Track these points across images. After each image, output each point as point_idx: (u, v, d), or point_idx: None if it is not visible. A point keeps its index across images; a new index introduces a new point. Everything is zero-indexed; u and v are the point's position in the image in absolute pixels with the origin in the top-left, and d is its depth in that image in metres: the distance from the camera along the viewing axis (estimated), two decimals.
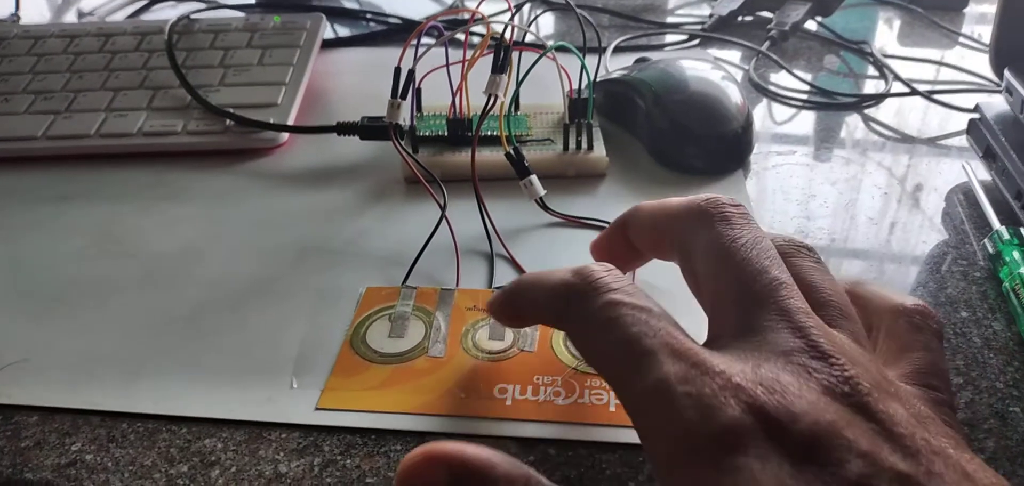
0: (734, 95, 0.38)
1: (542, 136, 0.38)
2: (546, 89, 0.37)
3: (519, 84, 0.36)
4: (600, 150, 0.37)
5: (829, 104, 0.45)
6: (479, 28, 0.34)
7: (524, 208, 0.34)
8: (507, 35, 0.33)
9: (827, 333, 0.18)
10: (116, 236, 0.34)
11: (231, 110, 0.40)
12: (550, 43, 0.34)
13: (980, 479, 0.16)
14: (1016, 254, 0.29)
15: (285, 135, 0.41)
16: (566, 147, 0.37)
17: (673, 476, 0.16)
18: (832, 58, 0.51)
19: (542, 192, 0.34)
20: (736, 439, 0.15)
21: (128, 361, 0.27)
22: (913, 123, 0.43)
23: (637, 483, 0.23)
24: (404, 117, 0.36)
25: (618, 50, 0.51)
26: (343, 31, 0.56)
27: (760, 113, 0.44)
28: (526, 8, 0.59)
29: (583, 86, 0.36)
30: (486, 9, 0.34)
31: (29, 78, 0.44)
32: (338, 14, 0.58)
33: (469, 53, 0.34)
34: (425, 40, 0.34)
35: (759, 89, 0.47)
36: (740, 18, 0.55)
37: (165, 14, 0.58)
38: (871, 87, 0.47)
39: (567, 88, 0.36)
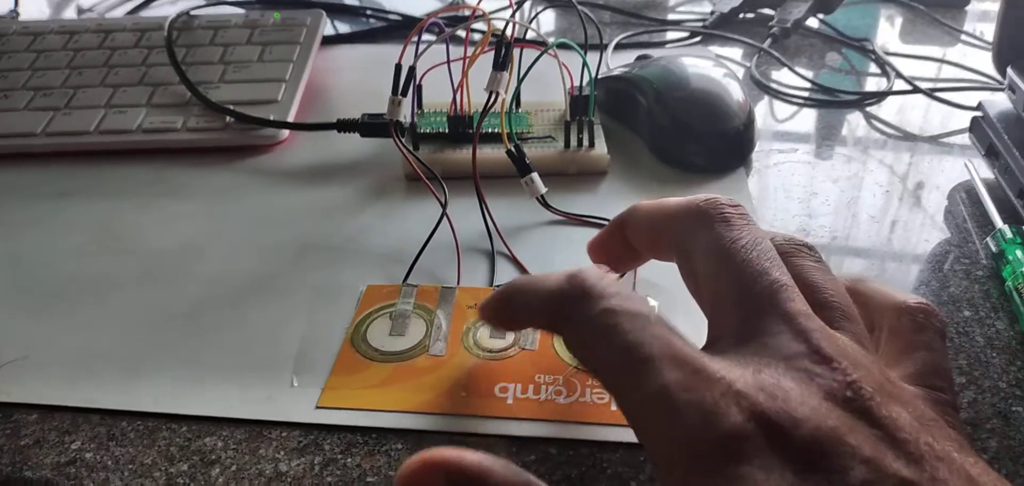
0: (736, 92, 0.38)
1: (543, 133, 0.38)
2: (547, 86, 0.37)
3: (520, 81, 0.36)
4: (601, 147, 0.37)
5: (831, 102, 0.45)
6: (480, 25, 0.34)
7: (525, 206, 0.34)
8: (508, 32, 0.33)
9: (829, 336, 0.18)
10: (116, 233, 0.34)
11: (231, 107, 0.40)
12: (551, 40, 0.34)
13: (983, 483, 0.16)
14: (1019, 253, 0.29)
15: (285, 132, 0.40)
16: (567, 144, 0.37)
17: (676, 484, 0.16)
18: (834, 55, 0.51)
19: (543, 190, 0.34)
20: (739, 446, 0.15)
21: (128, 359, 0.27)
22: (915, 121, 0.43)
23: (638, 482, 0.23)
24: (405, 114, 0.36)
25: (619, 47, 0.51)
26: (343, 27, 0.56)
27: (762, 111, 0.44)
28: (527, 5, 0.59)
29: (584, 83, 0.36)
30: (487, 6, 0.34)
31: (28, 74, 0.44)
32: (338, 10, 0.58)
33: (470, 50, 0.34)
34: (426, 37, 0.34)
35: (761, 86, 0.46)
36: (742, 15, 0.55)
37: (165, 10, 0.58)
38: (873, 85, 0.47)
39: (568, 85, 0.36)
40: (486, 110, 0.33)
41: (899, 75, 0.47)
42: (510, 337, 0.27)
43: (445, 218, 0.31)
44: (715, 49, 0.52)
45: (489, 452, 0.23)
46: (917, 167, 0.39)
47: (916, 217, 0.35)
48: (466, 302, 0.29)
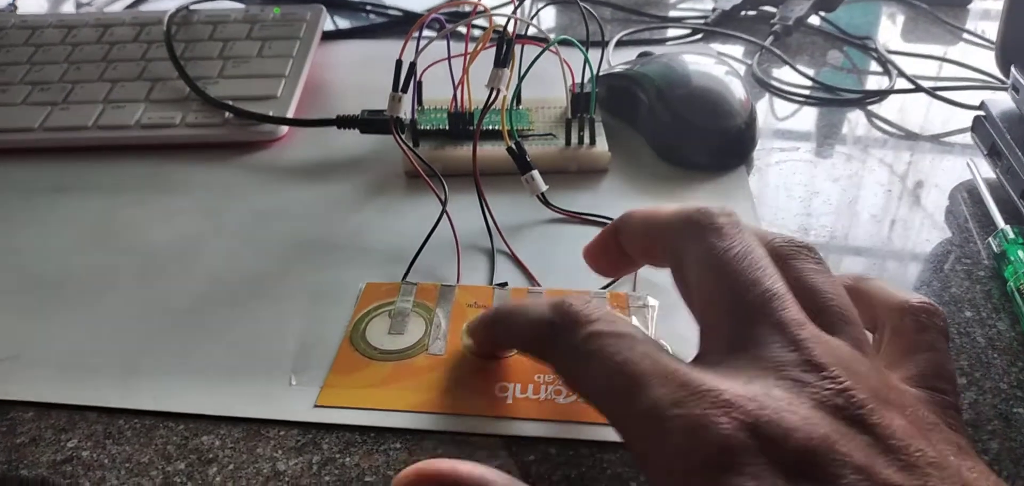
0: (737, 90, 0.38)
1: (544, 131, 0.38)
2: (548, 83, 0.37)
3: (521, 78, 0.36)
4: (602, 145, 0.37)
5: (832, 100, 0.45)
6: (481, 21, 0.34)
7: (526, 203, 0.34)
8: (510, 28, 0.33)
9: (823, 343, 0.18)
10: (113, 229, 0.34)
11: (230, 102, 0.40)
12: (553, 37, 0.33)
13: None
14: (1021, 253, 0.29)
15: (284, 128, 0.40)
16: (568, 142, 0.37)
17: None
18: (836, 53, 0.51)
19: (544, 187, 0.33)
20: (730, 458, 0.15)
21: (125, 356, 0.27)
22: (916, 120, 0.43)
23: (638, 483, 0.22)
24: (405, 111, 0.36)
25: (621, 44, 0.51)
26: (343, 23, 0.55)
27: (763, 109, 0.44)
28: (528, 1, 0.58)
29: (586, 80, 0.36)
30: (488, 2, 0.34)
31: (26, 69, 0.44)
32: (338, 6, 0.57)
33: (471, 46, 0.33)
34: (426, 33, 0.34)
35: (762, 84, 0.46)
36: (743, 13, 0.55)
37: (164, 5, 0.57)
38: (874, 83, 0.47)
39: (569, 82, 0.36)
40: (487, 107, 0.33)
41: (901, 74, 0.47)
42: None
43: (445, 215, 0.31)
44: (717, 46, 0.51)
45: (489, 453, 0.23)
46: (918, 166, 0.38)
47: (917, 217, 0.35)
48: (466, 301, 0.29)
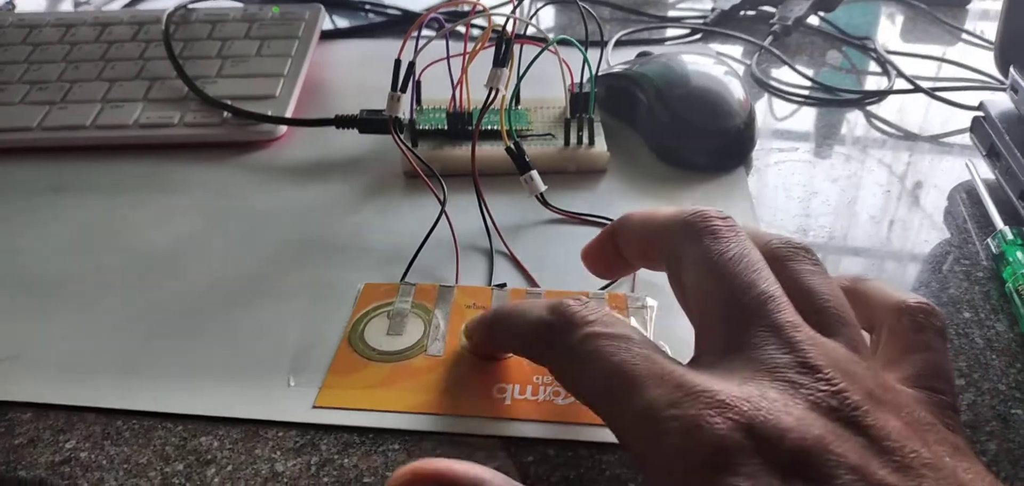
0: (736, 90, 0.38)
1: (543, 131, 0.38)
2: (547, 83, 0.37)
3: (520, 78, 0.36)
4: (601, 145, 0.37)
5: (831, 100, 0.45)
6: (480, 21, 0.34)
7: (524, 204, 0.34)
8: (509, 28, 0.33)
9: (818, 345, 0.18)
10: (111, 229, 0.34)
11: (228, 102, 0.40)
12: (552, 36, 0.33)
13: None
14: (1020, 254, 0.29)
15: (283, 128, 0.40)
16: (567, 142, 0.37)
17: None
18: (835, 54, 0.51)
19: (543, 187, 0.33)
20: (725, 458, 0.15)
21: (123, 357, 0.27)
22: (915, 120, 0.43)
23: (636, 484, 0.22)
24: (404, 110, 0.35)
25: (620, 44, 0.51)
26: (342, 22, 0.55)
27: (762, 109, 0.44)
28: (527, 1, 0.58)
29: (585, 80, 0.36)
30: (487, 1, 0.34)
31: (24, 68, 0.44)
32: (337, 5, 0.57)
33: (470, 46, 0.33)
34: (425, 32, 0.34)
35: (761, 84, 0.46)
36: (742, 13, 0.55)
37: (162, 4, 0.57)
38: (873, 83, 0.47)
39: (568, 82, 0.36)
40: (486, 107, 0.33)
41: (900, 74, 0.47)
42: None
43: (444, 216, 0.31)
44: (716, 46, 0.51)
45: (487, 454, 0.23)
46: (917, 167, 0.38)
47: (916, 217, 0.35)
48: (464, 301, 0.28)
